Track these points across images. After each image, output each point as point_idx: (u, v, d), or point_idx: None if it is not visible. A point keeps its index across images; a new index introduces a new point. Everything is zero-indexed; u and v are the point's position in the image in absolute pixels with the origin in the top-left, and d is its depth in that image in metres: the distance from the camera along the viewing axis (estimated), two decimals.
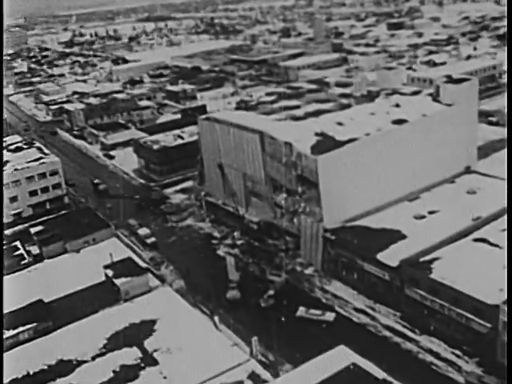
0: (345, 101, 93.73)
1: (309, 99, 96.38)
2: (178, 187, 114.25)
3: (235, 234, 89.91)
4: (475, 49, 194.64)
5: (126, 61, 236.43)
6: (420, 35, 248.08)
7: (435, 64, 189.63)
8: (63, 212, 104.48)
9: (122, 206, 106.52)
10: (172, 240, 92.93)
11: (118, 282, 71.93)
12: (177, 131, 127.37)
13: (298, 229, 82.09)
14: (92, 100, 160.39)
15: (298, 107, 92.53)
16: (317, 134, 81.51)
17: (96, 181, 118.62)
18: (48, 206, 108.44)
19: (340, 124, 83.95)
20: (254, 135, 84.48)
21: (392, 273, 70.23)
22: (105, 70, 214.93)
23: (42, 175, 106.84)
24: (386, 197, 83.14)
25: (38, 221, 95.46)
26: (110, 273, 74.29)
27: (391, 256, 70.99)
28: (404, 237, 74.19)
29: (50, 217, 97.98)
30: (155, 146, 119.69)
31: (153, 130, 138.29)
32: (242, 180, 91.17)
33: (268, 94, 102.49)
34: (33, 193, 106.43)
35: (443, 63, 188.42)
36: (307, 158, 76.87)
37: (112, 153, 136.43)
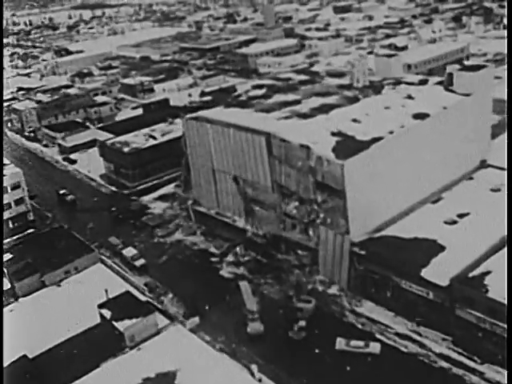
0: (348, 93, 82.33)
1: (306, 92, 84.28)
2: (156, 194, 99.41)
3: (238, 249, 77.08)
4: (434, 32, 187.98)
5: (69, 52, 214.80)
6: (370, 18, 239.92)
7: (396, 48, 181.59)
8: (31, 232, 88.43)
9: (97, 220, 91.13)
10: (163, 260, 78.78)
11: (120, 325, 57.95)
12: (145, 130, 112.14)
13: (316, 242, 70.52)
14: (41, 97, 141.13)
15: (298, 102, 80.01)
16: (334, 134, 69.66)
17: (62, 191, 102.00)
18: (11, 225, 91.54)
19: (356, 121, 72.38)
20: (258, 137, 71.59)
21: (439, 292, 59.97)
22: (48, 63, 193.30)
23: (4, 190, 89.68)
24: (409, 200, 72.71)
25: (5, 247, 79.16)
26: (107, 313, 60.12)
27: (435, 272, 60.65)
28: (442, 248, 63.89)
29: (18, 240, 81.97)
30: (126, 149, 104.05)
31: (117, 130, 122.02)
32: (242, 187, 78.26)
33: (255, 88, 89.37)
34: None
35: (405, 47, 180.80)
36: (330, 163, 64.92)
37: (73, 156, 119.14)
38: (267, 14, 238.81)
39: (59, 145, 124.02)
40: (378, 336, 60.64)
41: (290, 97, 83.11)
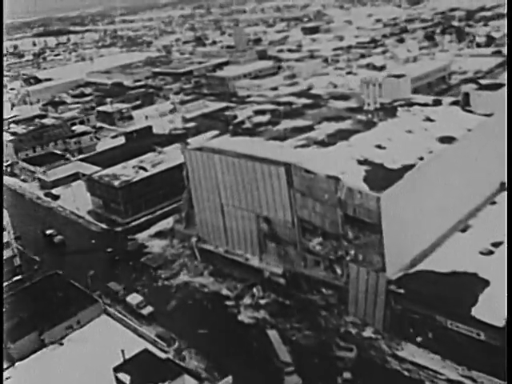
0: (361, 117, 76.70)
1: (315, 117, 78.30)
2: (152, 231, 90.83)
3: (255, 290, 69.58)
4: (409, 51, 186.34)
5: (38, 80, 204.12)
6: (341, 39, 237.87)
7: (375, 67, 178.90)
8: (20, 279, 78.71)
9: (91, 264, 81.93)
10: (172, 306, 70.46)
11: None
12: (133, 161, 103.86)
13: (345, 280, 63.82)
14: (16, 128, 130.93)
15: (310, 128, 73.81)
16: (360, 163, 63.49)
17: (48, 231, 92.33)
18: None
19: (380, 147, 66.46)
20: (277, 168, 64.78)
21: (494, 333, 53.96)
22: (18, 91, 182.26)
23: None
24: (438, 230, 67.16)
25: None
26: (125, 378, 51.60)
27: (487, 310, 54.94)
28: (486, 282, 58.30)
29: (7, 290, 72.15)
30: (116, 182, 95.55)
31: (100, 161, 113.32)
32: (255, 223, 71.12)
33: (257, 113, 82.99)
34: None
35: (383, 66, 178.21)
36: (363, 196, 58.57)
37: (55, 191, 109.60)
38: (238, 36, 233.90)
39: (39, 179, 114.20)
40: None
41: (299, 122, 76.89)
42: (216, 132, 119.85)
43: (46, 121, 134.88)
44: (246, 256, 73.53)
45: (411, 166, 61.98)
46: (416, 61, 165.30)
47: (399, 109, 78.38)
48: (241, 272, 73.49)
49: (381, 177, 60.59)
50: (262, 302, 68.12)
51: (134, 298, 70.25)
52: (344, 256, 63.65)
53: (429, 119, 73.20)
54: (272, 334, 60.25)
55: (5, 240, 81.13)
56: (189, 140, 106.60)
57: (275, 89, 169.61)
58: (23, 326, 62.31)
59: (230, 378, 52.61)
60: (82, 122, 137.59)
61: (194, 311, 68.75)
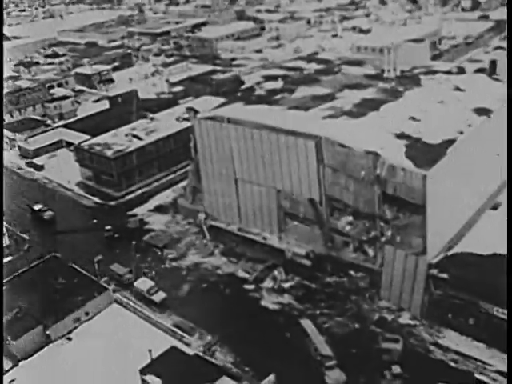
0: (383, 85, 69.68)
1: (334, 84, 70.85)
2: (150, 205, 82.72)
3: (276, 273, 63.20)
4: (393, 13, 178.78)
5: (6, 37, 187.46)
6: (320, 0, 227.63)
7: (361, 30, 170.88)
8: (10, 261, 69.77)
9: (88, 244, 73.61)
10: (186, 291, 63.48)
11: None
12: (125, 129, 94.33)
13: (380, 263, 58.06)
14: None
15: (332, 97, 66.44)
16: (398, 137, 56.85)
17: (37, 206, 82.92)
18: None
19: (414, 119, 59.88)
20: (305, 141, 57.57)
21: None
22: None
23: None
24: (472, 208, 61.83)
25: None
26: (155, 382, 44.97)
27: None
28: None
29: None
30: (109, 152, 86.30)
31: (86, 128, 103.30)
32: (275, 200, 64.17)
33: (267, 79, 74.92)
34: None
35: (369, 30, 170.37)
36: (407, 173, 52.20)
37: (38, 161, 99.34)
38: None
39: (19, 147, 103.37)
40: (479, 376, 49.73)
41: (318, 90, 69.26)
42: (209, 97, 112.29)
43: (20, 83, 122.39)
44: (262, 235, 66.95)
45: (452, 141, 55.81)
46: (406, 24, 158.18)
47: (422, 77, 71.70)
48: (256, 252, 66.73)
49: (422, 152, 54.19)
50: (286, 285, 61.95)
51: (143, 283, 62.67)
52: (378, 237, 57.71)
53: (458, 89, 66.84)
54: (306, 324, 54.25)
55: None
56: (216, 110, 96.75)
57: (260, 51, 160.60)
58: (25, 320, 54.45)
59: (272, 377, 46.58)
60: (60, 85, 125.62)
61: (211, 296, 61.77)
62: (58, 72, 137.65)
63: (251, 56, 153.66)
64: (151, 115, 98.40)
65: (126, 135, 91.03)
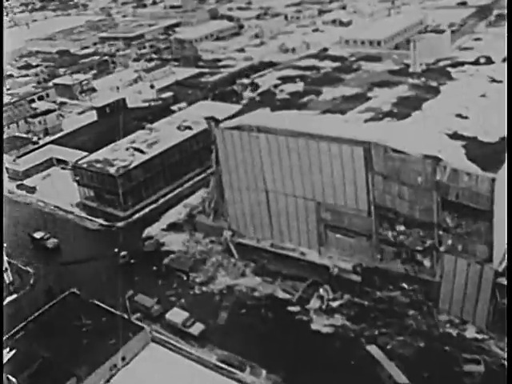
0: (413, 80, 64.36)
1: (360, 83, 65.20)
2: (163, 223, 75.21)
3: (322, 291, 57.25)
4: (369, 4, 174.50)
5: None
6: None
7: (342, 23, 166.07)
8: (16, 300, 61.82)
9: (102, 273, 65.83)
10: (224, 319, 56.78)
11: None
12: (122, 142, 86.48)
13: (433, 273, 52.90)
14: None
15: (364, 97, 60.61)
16: (451, 137, 51.55)
17: (37, 234, 74.61)
18: None
19: (461, 116, 54.74)
20: (352, 148, 51.70)
21: None
22: None
23: None
24: None
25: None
26: None
27: None
28: None
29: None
30: (112, 170, 78.56)
31: (78, 143, 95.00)
32: (315, 212, 58.14)
33: (283, 80, 68.82)
34: None
35: (350, 22, 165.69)
36: (472, 178, 46.99)
37: (28, 182, 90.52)
38: None
39: (7, 169, 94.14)
40: None
41: (345, 90, 63.50)
42: (205, 102, 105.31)
43: None
44: (299, 250, 60.91)
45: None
46: (390, 15, 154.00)
47: (450, 69, 66.76)
48: (293, 269, 60.51)
49: (483, 153, 49.09)
50: (335, 304, 56.13)
51: (176, 315, 55.67)
52: (435, 246, 52.52)
53: (494, 80, 62.12)
54: (373, 349, 48.62)
55: None
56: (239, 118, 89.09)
57: (242, 50, 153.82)
58: (52, 372, 47.08)
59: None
60: (40, 98, 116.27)
61: (253, 323, 55.19)
62: (35, 84, 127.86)
63: (234, 56, 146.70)
64: (149, 125, 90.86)
65: (127, 149, 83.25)
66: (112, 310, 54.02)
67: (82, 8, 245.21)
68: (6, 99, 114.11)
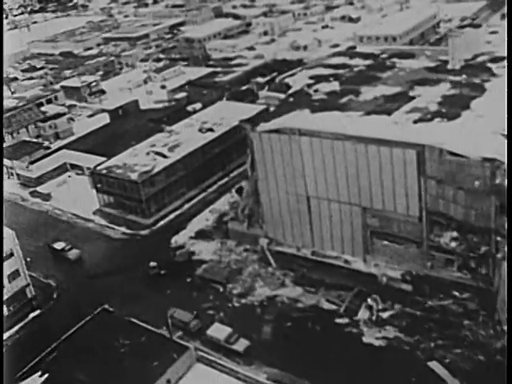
0: (454, 78, 61.27)
1: (399, 81, 62.13)
2: (190, 231, 71.91)
3: (370, 301, 54.26)
4: None
5: None
6: None
7: (351, 19, 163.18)
8: (39, 316, 58.42)
9: (132, 285, 62.55)
10: (268, 333, 53.51)
11: None
12: (141, 146, 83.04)
13: (489, 281, 50.05)
14: None
15: (406, 96, 57.57)
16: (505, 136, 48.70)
17: (57, 244, 71.25)
18: (6, 312, 60.50)
19: None
20: (405, 151, 48.73)
21: None
22: None
23: None
24: None
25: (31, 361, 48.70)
26: None
27: None
28: None
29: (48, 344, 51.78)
30: (134, 175, 75.27)
31: (92, 148, 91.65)
32: (360, 218, 55.13)
33: (315, 80, 65.64)
34: None
35: (359, 18, 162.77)
36: None
37: (42, 189, 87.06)
38: None
39: (18, 175, 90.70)
40: None
41: (385, 89, 60.40)
42: (225, 102, 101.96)
43: (5, 103, 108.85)
44: (343, 258, 57.91)
45: None
46: (402, 9, 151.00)
47: (490, 65, 63.76)
48: (335, 278, 57.55)
49: None
50: (385, 315, 53.18)
51: (218, 330, 52.46)
52: (491, 253, 49.70)
53: None
54: (436, 366, 45.71)
55: (14, 269, 60.47)
56: (275, 121, 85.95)
57: (252, 48, 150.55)
58: None
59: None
60: (49, 102, 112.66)
61: (300, 337, 52.07)
62: (42, 87, 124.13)
63: (244, 54, 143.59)
64: (168, 128, 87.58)
65: (148, 153, 80.00)
66: (151, 327, 50.73)
67: (82, 9, 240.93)
68: (12, 103, 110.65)
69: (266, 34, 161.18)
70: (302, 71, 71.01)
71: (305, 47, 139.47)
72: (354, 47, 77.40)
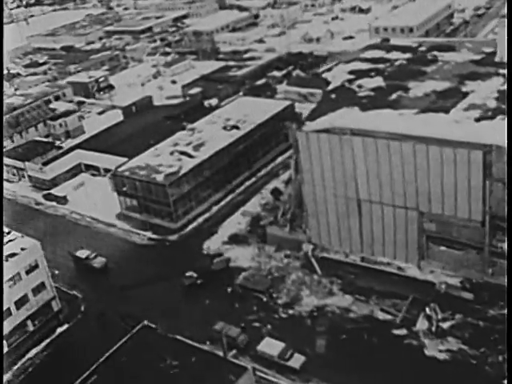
0: (504, 71, 58.25)
1: (447, 75, 58.85)
2: (223, 235, 67.97)
3: (428, 310, 51.14)
4: None
5: None
6: None
7: (361, 10, 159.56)
8: (65, 331, 54.76)
9: (167, 296, 58.98)
10: (323, 347, 50.19)
11: None
12: (163, 146, 79.15)
13: None
14: None
15: (460, 92, 54.33)
16: None
17: (82, 253, 67.31)
18: (31, 327, 56.88)
19: None
20: (470, 152, 45.53)
21: None
22: None
23: (15, 277, 54.72)
24: None
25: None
26: None
27: None
28: None
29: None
30: (159, 177, 71.50)
31: (107, 147, 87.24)
32: (416, 222, 51.94)
33: (356, 75, 62.15)
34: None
35: (369, 9, 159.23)
36: None
37: (57, 192, 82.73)
38: None
39: (30, 177, 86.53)
40: None
41: (434, 84, 57.08)
42: (244, 98, 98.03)
43: (11, 100, 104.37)
44: (396, 264, 54.76)
45: None
46: (415, 0, 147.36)
47: None
48: (387, 285, 54.43)
49: None
50: (445, 325, 50.17)
51: (270, 346, 49.06)
52: None
53: None
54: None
55: (40, 282, 56.60)
56: (321, 120, 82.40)
57: (262, 41, 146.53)
58: None
59: None
60: (57, 98, 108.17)
61: (358, 350, 48.99)
62: (48, 83, 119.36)
63: (254, 47, 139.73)
64: (190, 125, 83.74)
65: (172, 153, 76.25)
66: (201, 346, 47.26)
67: (80, 1, 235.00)
68: (18, 100, 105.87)
69: (273, 26, 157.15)
70: (339, 65, 67.35)
71: (317, 39, 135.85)
72: (388, 40, 73.86)
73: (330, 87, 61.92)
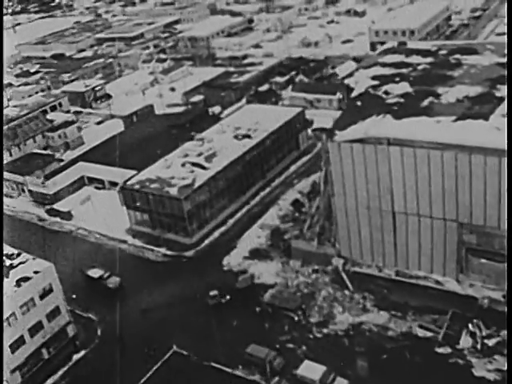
0: None
1: (475, 80, 56.73)
2: (243, 250, 64.94)
3: (471, 327, 48.75)
4: None
5: None
6: None
7: (356, 13, 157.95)
8: (82, 360, 51.30)
9: (190, 318, 55.68)
10: (365, 369, 47.09)
11: None
12: (173, 156, 75.99)
13: None
14: None
15: (494, 97, 52.26)
16: None
17: (93, 272, 63.72)
18: (46, 355, 53.20)
19: None
20: None
21: None
22: None
23: (29, 303, 51.09)
24: None
25: None
26: None
27: None
28: None
29: None
30: (173, 191, 68.22)
31: (110, 160, 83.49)
32: (456, 234, 49.62)
33: (380, 80, 59.77)
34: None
35: (364, 12, 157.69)
36: None
37: (60, 207, 78.86)
38: None
39: (30, 192, 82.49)
40: None
41: (465, 89, 54.73)
42: (251, 105, 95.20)
43: (6, 112, 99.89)
44: (433, 278, 52.33)
45: None
46: (412, 2, 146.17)
47: None
48: (423, 300, 52.10)
49: None
50: (490, 343, 47.86)
51: (309, 369, 46.20)
52: None
53: None
54: None
55: (54, 306, 53.04)
56: (352, 129, 79.76)
57: (258, 46, 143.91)
58: None
59: None
60: (53, 109, 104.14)
61: (402, 371, 46.39)
62: (42, 93, 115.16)
63: (252, 52, 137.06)
64: (199, 135, 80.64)
65: (183, 164, 73.11)
66: (239, 373, 44.30)
67: (67, 9, 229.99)
68: (14, 112, 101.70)
69: (269, 30, 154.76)
70: (359, 71, 64.90)
71: (316, 43, 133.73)
72: (405, 43, 71.74)
73: (354, 94, 59.36)
